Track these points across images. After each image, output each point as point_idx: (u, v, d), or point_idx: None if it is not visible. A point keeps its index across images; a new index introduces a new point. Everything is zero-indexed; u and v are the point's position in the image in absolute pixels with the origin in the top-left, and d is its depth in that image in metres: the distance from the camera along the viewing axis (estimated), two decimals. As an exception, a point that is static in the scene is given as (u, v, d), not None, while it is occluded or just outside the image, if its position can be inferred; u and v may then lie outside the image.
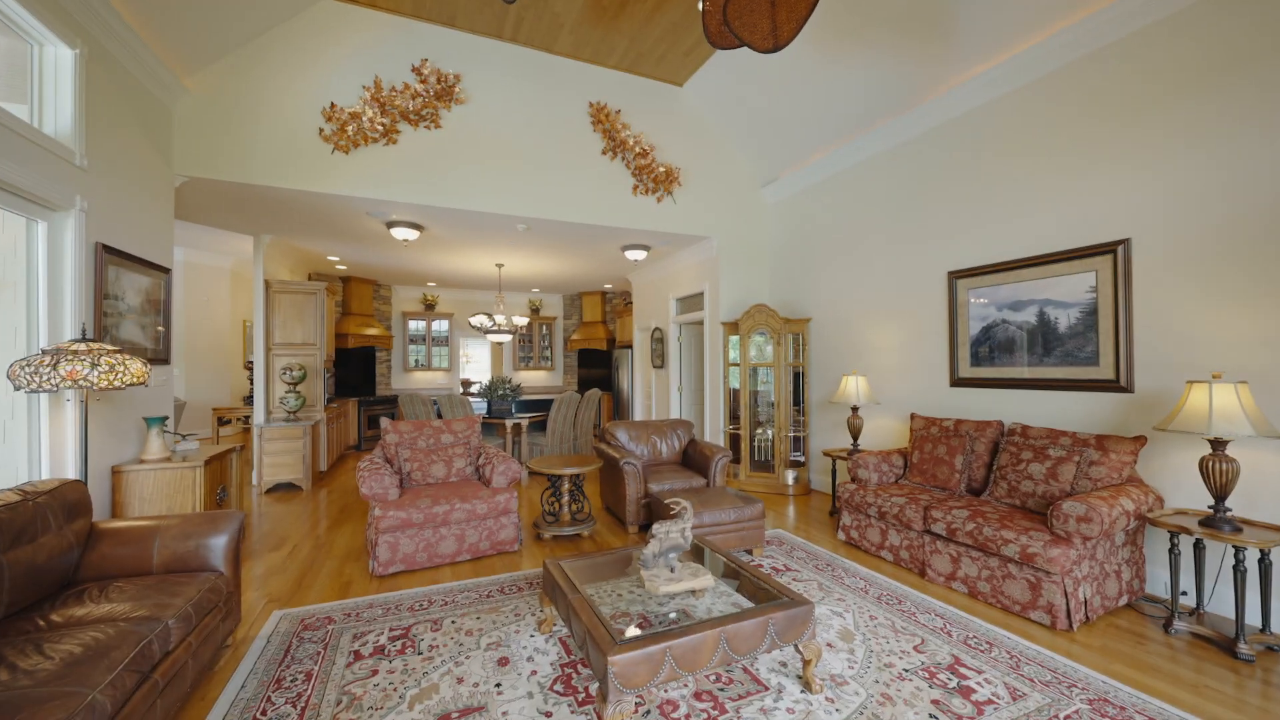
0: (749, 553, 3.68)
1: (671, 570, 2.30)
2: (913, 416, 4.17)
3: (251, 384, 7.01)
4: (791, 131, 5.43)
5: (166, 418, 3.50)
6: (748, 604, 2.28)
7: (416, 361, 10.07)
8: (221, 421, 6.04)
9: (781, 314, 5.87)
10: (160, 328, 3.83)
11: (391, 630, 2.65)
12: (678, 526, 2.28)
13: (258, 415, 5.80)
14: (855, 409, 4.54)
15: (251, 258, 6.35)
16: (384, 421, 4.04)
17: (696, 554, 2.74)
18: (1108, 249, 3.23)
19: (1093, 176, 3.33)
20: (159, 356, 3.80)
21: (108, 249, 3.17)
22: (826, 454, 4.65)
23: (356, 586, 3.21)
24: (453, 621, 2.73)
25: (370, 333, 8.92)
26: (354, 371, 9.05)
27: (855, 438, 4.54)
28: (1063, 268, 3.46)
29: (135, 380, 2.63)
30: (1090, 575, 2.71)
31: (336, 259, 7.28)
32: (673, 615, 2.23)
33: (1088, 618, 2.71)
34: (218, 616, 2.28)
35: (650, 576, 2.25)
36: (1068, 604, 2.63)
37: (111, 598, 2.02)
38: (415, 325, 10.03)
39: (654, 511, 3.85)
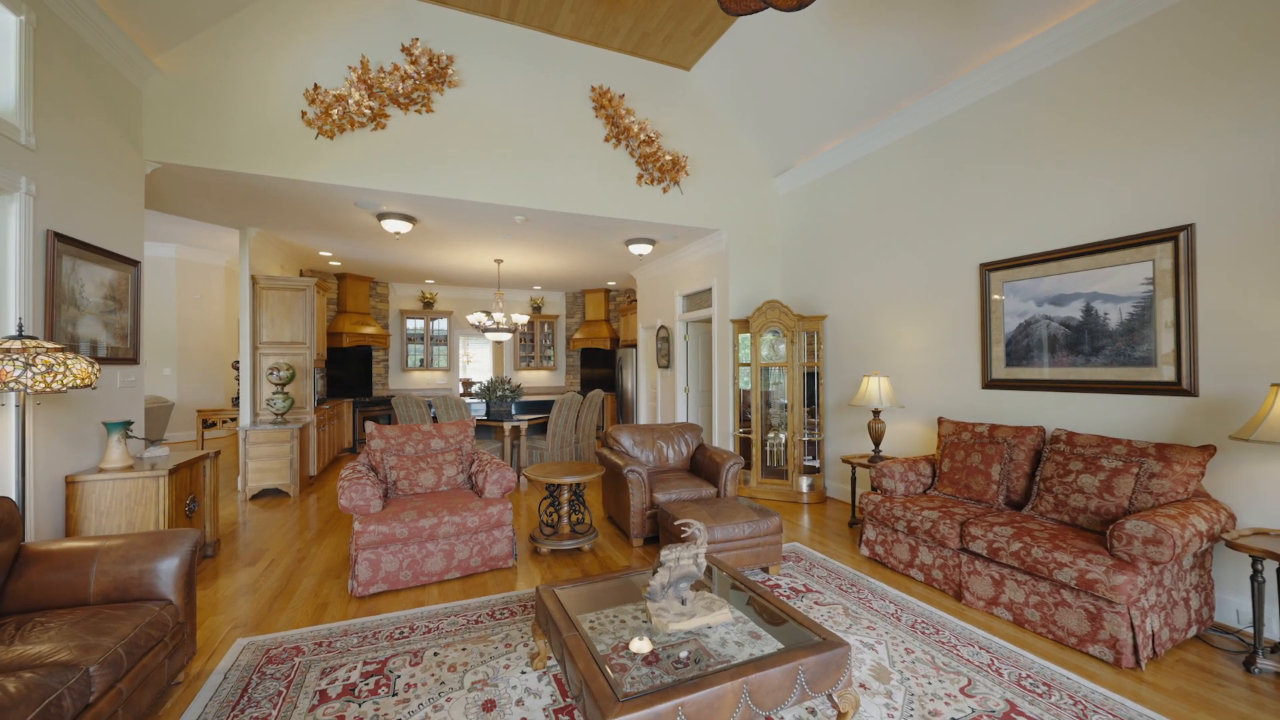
0: (765, 570, 3.36)
1: (682, 602, 1.99)
2: (940, 421, 3.84)
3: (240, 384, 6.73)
4: (806, 117, 5.10)
5: (131, 422, 3.22)
6: (768, 637, 1.98)
7: (420, 361, 9.78)
8: (207, 424, 5.77)
9: (795, 311, 5.55)
10: (128, 324, 3.55)
11: (365, 664, 2.35)
12: (689, 552, 1.97)
13: (244, 417, 5.52)
14: (877, 412, 4.22)
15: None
16: (369, 426, 3.74)
17: (706, 574, 2.43)
18: (1167, 236, 2.90)
19: (1149, 155, 2.99)
20: (126, 355, 3.52)
21: (61, 237, 2.89)
22: (846, 460, 4.33)
23: (333, 609, 2.91)
24: (435, 654, 2.43)
25: (367, 331, 8.66)
26: (350, 371, 8.79)
27: (877, 443, 4.21)
28: (1114, 257, 3.13)
29: (78, 382, 2.34)
30: (1158, 604, 2.39)
31: (329, 254, 7.01)
32: (684, 654, 1.93)
33: (1155, 653, 2.38)
34: (162, 654, 1.99)
35: (658, 610, 1.94)
36: (1134, 638, 2.31)
37: (29, 638, 1.73)
38: (414, 324, 9.76)
39: (660, 523, 3.54)
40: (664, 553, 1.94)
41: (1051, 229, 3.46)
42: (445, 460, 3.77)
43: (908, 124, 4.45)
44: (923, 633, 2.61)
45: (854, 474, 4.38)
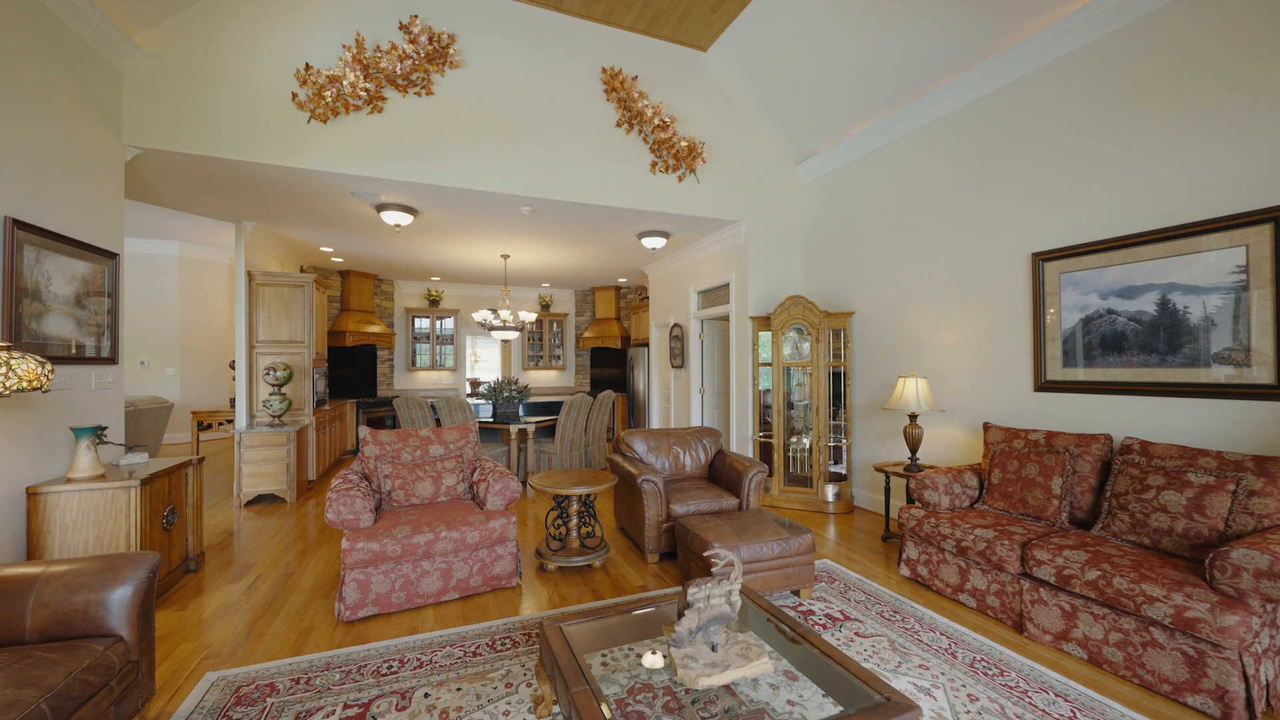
0: (796, 594, 3.03)
1: (713, 648, 1.67)
2: (987, 427, 3.48)
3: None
4: (832, 99, 4.75)
5: (104, 427, 2.96)
6: (807, 680, 1.68)
7: (429, 360, 9.52)
8: (202, 426, 5.55)
9: (821, 307, 5.19)
10: (104, 321, 3.30)
11: (346, 707, 2.06)
12: (721, 590, 1.65)
13: (239, 420, 5.29)
14: (914, 417, 3.86)
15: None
16: (363, 431, 3.47)
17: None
18: (1266, 216, 2.52)
19: (1241, 124, 2.61)
20: (102, 355, 3.27)
21: (22, 225, 2.64)
22: (879, 469, 3.97)
23: (318, 635, 2.63)
24: (425, 695, 2.13)
25: (371, 330, 8.42)
26: (354, 371, 8.57)
27: (913, 451, 3.85)
28: (1196, 243, 2.75)
29: (25, 385, 2.07)
30: (1272, 648, 2.02)
31: (330, 250, 6.77)
32: (713, 712, 1.61)
33: (1270, 706, 2.02)
34: (106, 701, 1.70)
35: (684, 659, 1.62)
36: (1248, 689, 1.95)
37: (-64, 690, 1.45)
38: (420, 323, 9.51)
39: (678, 539, 3.22)
40: (691, 591, 1.62)
41: (1116, 213, 3.08)
42: (445, 468, 3.48)
43: (945, 103, 4.08)
44: (985, 674, 2.27)
45: (888, 483, 4.02)
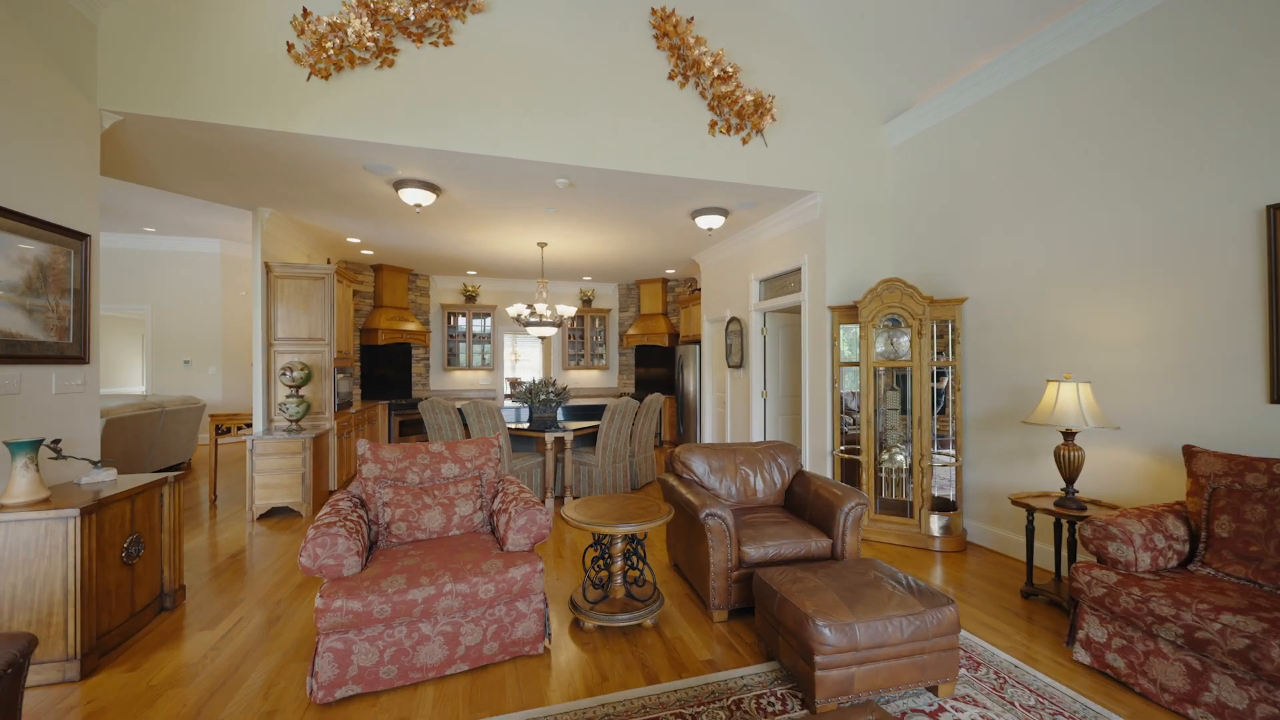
0: (932, 691, 2.14)
1: None
2: (1192, 453, 2.47)
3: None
4: (930, 38, 3.78)
5: (57, 440, 2.44)
6: None
7: (466, 359, 9.03)
8: (220, 430, 5.17)
9: (924, 292, 4.23)
10: (68, 313, 2.80)
11: None
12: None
13: (256, 424, 4.85)
14: (1070, 434, 2.87)
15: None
16: (360, 446, 2.83)
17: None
18: None
19: None
20: (67, 353, 2.78)
21: (-62, 191, 2.13)
22: (1016, 502, 3.01)
23: (282, 722, 1.98)
24: None
25: (406, 328, 8.00)
26: (388, 371, 8.17)
27: (1070, 480, 2.86)
28: None
29: None
30: None
31: (357, 240, 6.32)
32: None
33: None
34: None
35: None
36: None
37: None
38: (458, 321, 9.04)
39: (755, 594, 2.41)
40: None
41: None
42: (459, 493, 2.80)
43: (1106, 18, 3.06)
44: None
45: (1030, 521, 3.04)
